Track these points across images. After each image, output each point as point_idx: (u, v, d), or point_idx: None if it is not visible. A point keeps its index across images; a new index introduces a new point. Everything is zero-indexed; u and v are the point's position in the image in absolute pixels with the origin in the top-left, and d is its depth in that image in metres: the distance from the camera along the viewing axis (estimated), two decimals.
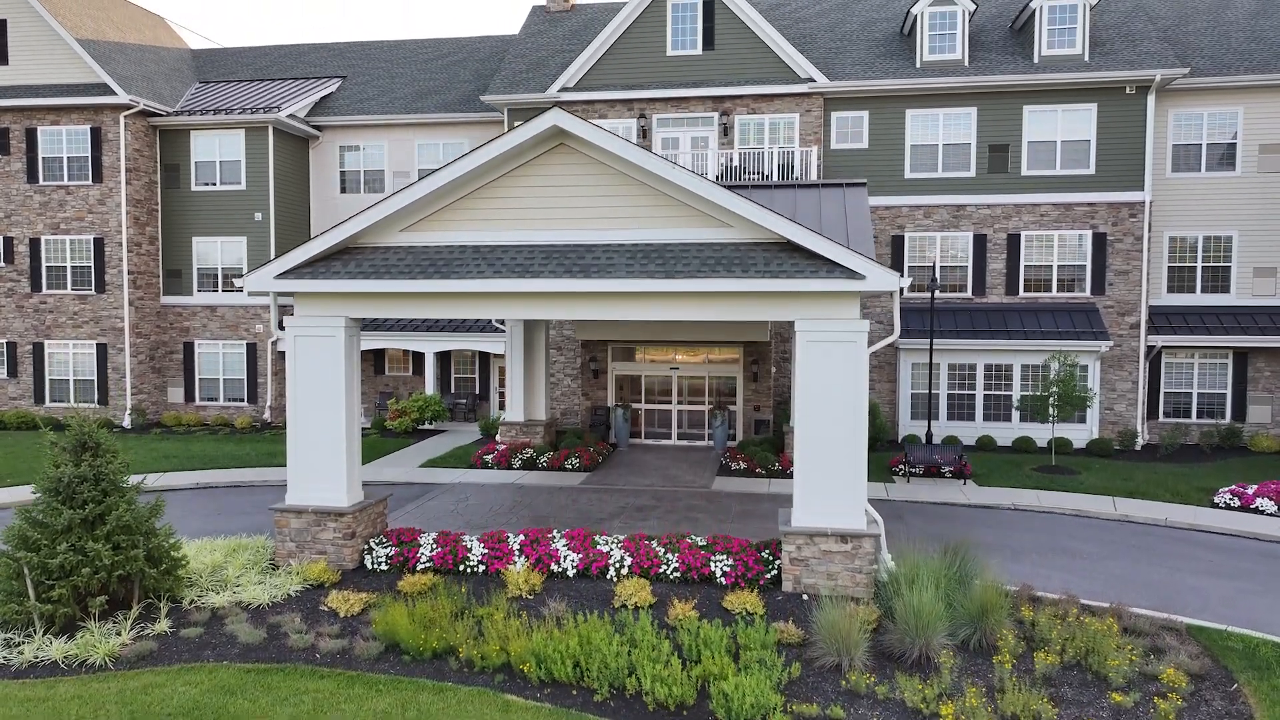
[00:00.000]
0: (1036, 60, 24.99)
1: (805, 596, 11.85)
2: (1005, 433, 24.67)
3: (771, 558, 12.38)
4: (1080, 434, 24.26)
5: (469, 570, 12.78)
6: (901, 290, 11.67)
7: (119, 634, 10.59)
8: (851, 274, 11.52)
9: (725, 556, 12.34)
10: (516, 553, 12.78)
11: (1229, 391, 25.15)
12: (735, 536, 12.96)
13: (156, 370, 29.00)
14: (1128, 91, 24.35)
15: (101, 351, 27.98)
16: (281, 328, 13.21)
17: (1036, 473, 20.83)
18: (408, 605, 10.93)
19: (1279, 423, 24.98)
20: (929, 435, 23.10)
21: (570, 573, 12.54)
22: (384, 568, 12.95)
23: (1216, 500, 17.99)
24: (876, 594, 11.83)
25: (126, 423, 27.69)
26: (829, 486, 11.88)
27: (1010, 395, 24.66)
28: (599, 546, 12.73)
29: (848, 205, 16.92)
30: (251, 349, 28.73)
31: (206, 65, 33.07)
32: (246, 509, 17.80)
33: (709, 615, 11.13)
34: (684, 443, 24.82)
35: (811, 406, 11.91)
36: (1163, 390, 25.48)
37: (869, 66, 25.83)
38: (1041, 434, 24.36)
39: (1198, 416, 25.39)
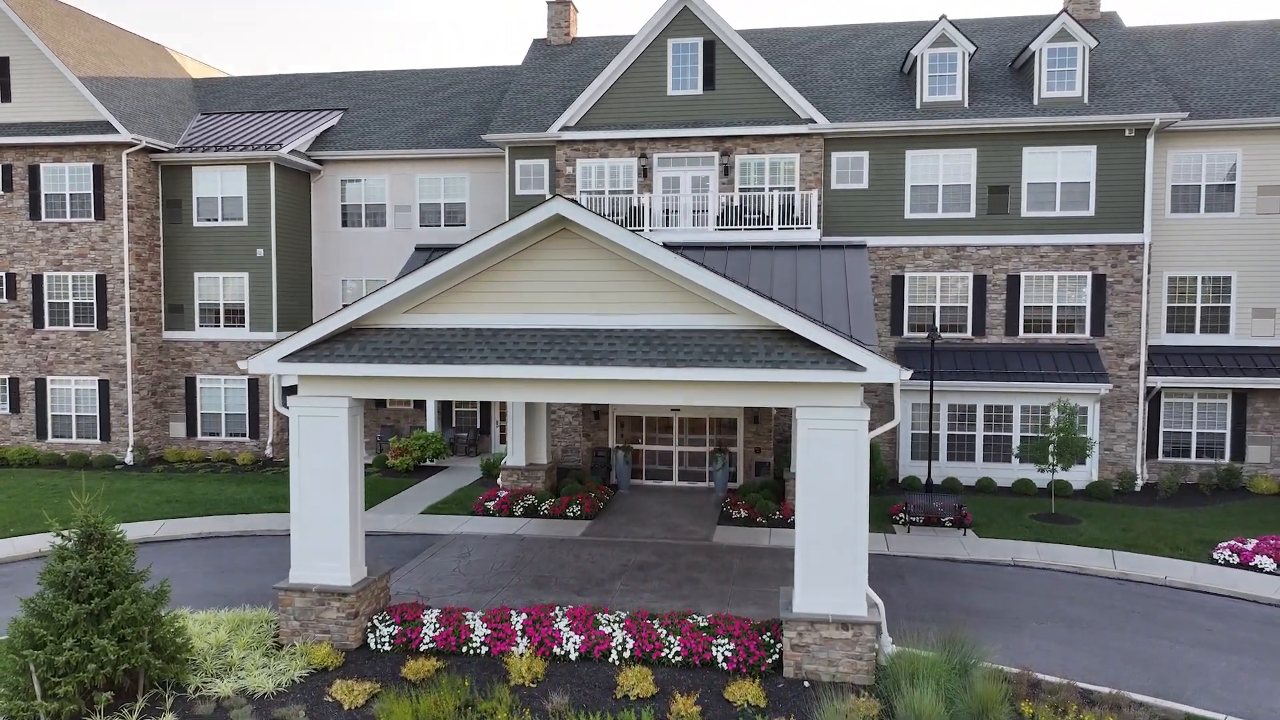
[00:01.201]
0: (1036, 102, 25.05)
1: (807, 684, 11.92)
2: (1005, 474, 24.76)
3: (773, 640, 12.46)
4: (1080, 476, 24.34)
5: (472, 652, 12.85)
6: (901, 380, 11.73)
7: None
8: (853, 366, 11.60)
9: (727, 640, 12.42)
10: (519, 633, 12.86)
11: (1228, 432, 25.24)
12: (737, 618, 13.01)
13: (158, 406, 29.07)
14: (1127, 134, 24.40)
15: (103, 387, 28.06)
16: (285, 405, 13.30)
17: (1036, 521, 20.91)
18: (411, 699, 11.01)
19: (1278, 463, 25.07)
20: (929, 479, 23.18)
21: (573, 655, 12.62)
22: (387, 648, 13.02)
23: (1215, 556, 18.06)
24: (877, 680, 11.92)
25: (128, 459, 27.77)
26: (829, 573, 11.96)
27: (1010, 436, 24.73)
28: (601, 627, 12.80)
29: (848, 271, 16.98)
30: (254, 384, 28.79)
31: (208, 96, 33.12)
32: (250, 565, 17.87)
33: (711, 709, 11.20)
34: (685, 484, 24.89)
35: (812, 493, 11.98)
36: (1162, 430, 25.56)
37: (869, 107, 25.89)
38: (1041, 476, 24.44)
39: (1197, 456, 25.48)
